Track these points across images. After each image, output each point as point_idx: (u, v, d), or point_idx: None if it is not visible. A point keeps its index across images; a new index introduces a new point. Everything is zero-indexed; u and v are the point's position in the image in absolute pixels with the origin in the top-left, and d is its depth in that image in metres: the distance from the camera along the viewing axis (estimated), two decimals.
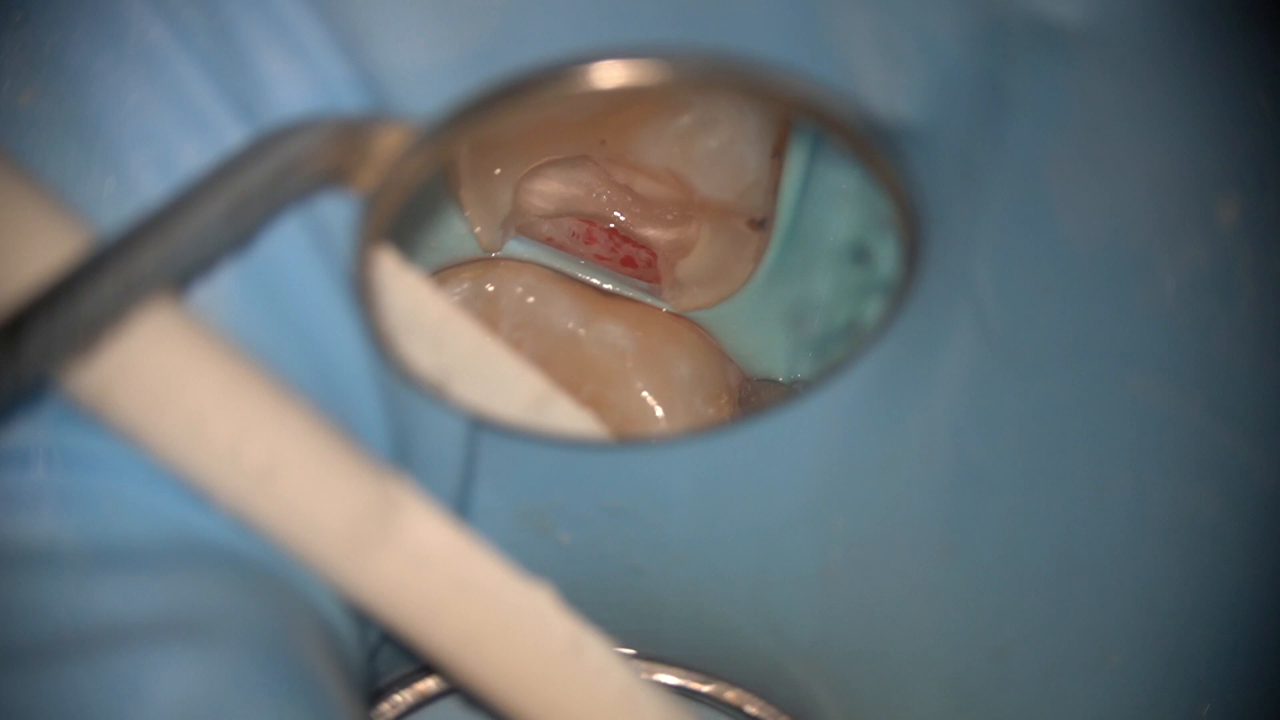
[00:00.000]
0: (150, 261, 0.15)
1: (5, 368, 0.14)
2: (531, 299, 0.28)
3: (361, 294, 0.20)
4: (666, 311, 0.29)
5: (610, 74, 0.17)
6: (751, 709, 0.29)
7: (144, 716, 0.16)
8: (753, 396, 0.28)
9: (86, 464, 0.18)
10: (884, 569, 0.26)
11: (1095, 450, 0.23)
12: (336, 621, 0.20)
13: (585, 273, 0.29)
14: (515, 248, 0.28)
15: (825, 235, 0.27)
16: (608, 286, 0.29)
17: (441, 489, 0.23)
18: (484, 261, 0.28)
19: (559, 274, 0.29)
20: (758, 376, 0.29)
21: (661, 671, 0.29)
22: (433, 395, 0.22)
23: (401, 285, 0.20)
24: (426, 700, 0.29)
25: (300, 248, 0.19)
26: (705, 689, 0.29)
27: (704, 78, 0.18)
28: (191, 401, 0.17)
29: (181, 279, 0.17)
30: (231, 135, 0.19)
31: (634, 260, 0.29)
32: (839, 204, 0.26)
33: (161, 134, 0.19)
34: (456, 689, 0.28)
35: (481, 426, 0.24)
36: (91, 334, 0.15)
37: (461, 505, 0.25)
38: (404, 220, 0.20)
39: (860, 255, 0.26)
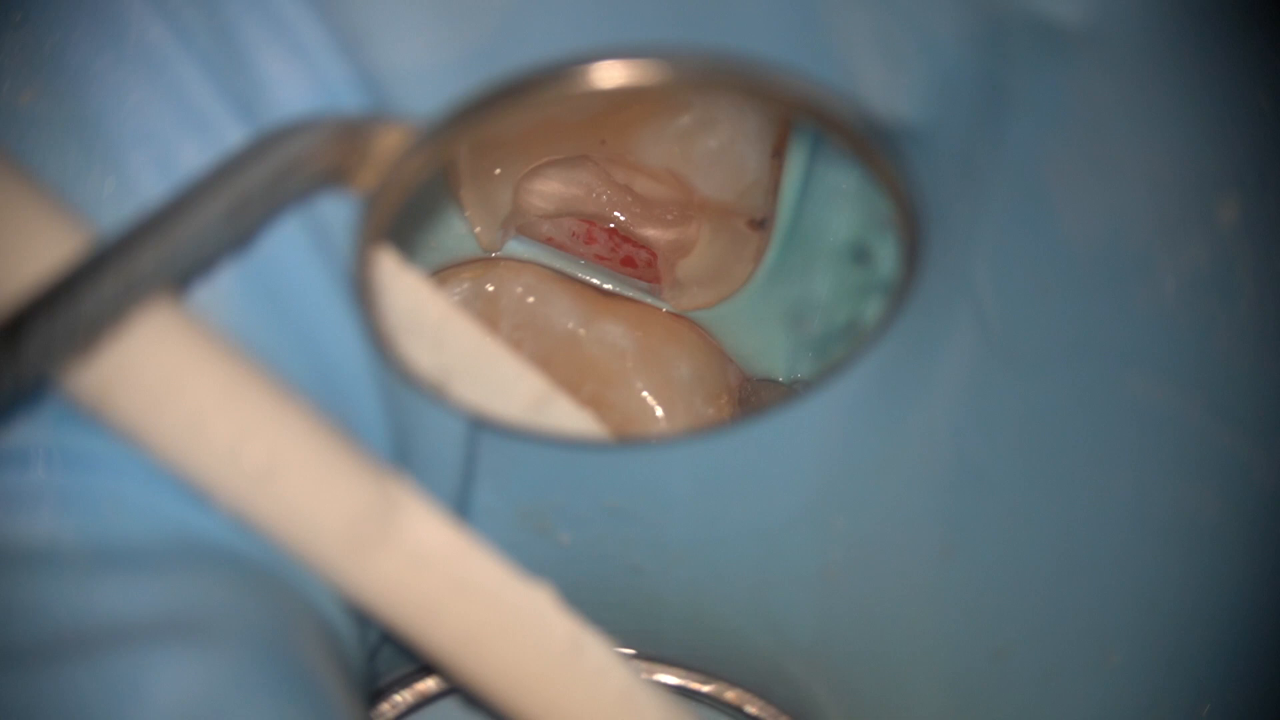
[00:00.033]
0: (150, 261, 0.15)
1: (5, 368, 0.14)
2: (531, 299, 0.28)
3: (361, 294, 0.20)
4: (666, 311, 0.29)
5: (610, 74, 0.17)
6: (751, 709, 0.29)
7: (144, 716, 0.16)
8: (753, 396, 0.28)
9: (86, 464, 0.18)
10: (884, 569, 0.26)
11: (1095, 450, 0.23)
12: (336, 621, 0.20)
13: (585, 273, 0.29)
14: (515, 248, 0.28)
15: (825, 235, 0.27)
16: (608, 286, 0.29)
17: (441, 489, 0.23)
18: (484, 261, 0.28)
19: (559, 274, 0.29)
20: (758, 376, 0.29)
21: (661, 671, 0.29)
22: (433, 395, 0.22)
23: (401, 285, 0.20)
24: (426, 700, 0.29)
25: (300, 248, 0.19)
26: (705, 689, 0.29)
27: (704, 78, 0.18)
28: (191, 401, 0.17)
29: (181, 279, 0.17)
30: (231, 135, 0.19)
31: (634, 260, 0.29)
32: (839, 204, 0.26)
33: (161, 134, 0.19)
34: (456, 689, 0.28)
35: (481, 426, 0.24)
36: (91, 334, 0.15)
37: (461, 505, 0.25)
38: (404, 220, 0.20)
39: (860, 255, 0.26)
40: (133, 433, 0.17)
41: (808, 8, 0.20)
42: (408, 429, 0.22)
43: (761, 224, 0.28)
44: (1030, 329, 0.22)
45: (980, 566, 0.25)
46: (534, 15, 0.21)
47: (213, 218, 0.16)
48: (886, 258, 0.23)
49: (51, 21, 0.19)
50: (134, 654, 0.17)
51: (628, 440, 0.27)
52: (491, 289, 0.28)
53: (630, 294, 0.29)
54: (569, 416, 0.23)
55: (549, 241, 0.29)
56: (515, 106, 0.18)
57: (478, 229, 0.28)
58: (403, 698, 0.29)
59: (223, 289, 0.19)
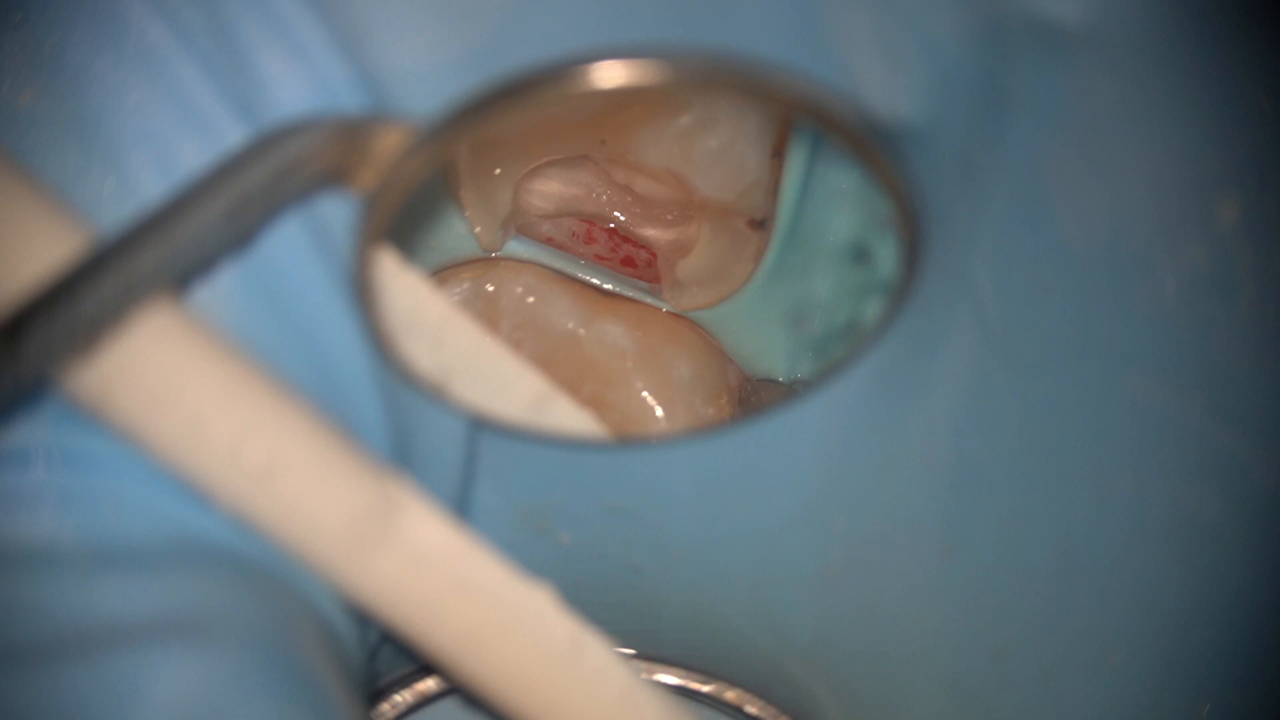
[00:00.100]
0: (150, 261, 0.15)
1: (5, 368, 0.14)
2: (531, 299, 0.28)
3: (361, 294, 0.20)
4: (666, 311, 0.29)
5: (610, 74, 0.17)
6: (751, 709, 0.29)
7: (144, 716, 0.16)
8: (753, 396, 0.28)
9: (86, 464, 0.18)
10: (884, 569, 0.26)
11: (1095, 450, 0.23)
12: (336, 621, 0.20)
13: (585, 273, 0.29)
14: (515, 248, 0.28)
15: (825, 235, 0.27)
16: (608, 286, 0.29)
17: (441, 489, 0.23)
18: (484, 261, 0.28)
19: (559, 274, 0.29)
20: (758, 376, 0.29)
21: (661, 671, 0.29)
22: (433, 395, 0.22)
23: (401, 285, 0.20)
24: (426, 700, 0.29)
25: (300, 248, 0.19)
26: (705, 689, 0.29)
27: (704, 78, 0.18)
28: (191, 401, 0.17)
29: (181, 279, 0.17)
30: (231, 135, 0.19)
31: (634, 260, 0.29)
32: (839, 204, 0.26)
33: (161, 134, 0.19)
34: (456, 689, 0.28)
35: (481, 426, 0.24)
36: (91, 334, 0.15)
37: (461, 505, 0.25)
38: (404, 220, 0.20)
39: (860, 255, 0.26)
40: (133, 433, 0.17)
41: (808, 8, 0.20)
42: (408, 429, 0.22)
43: (761, 224, 0.28)
44: (1030, 329, 0.22)
45: (980, 566, 0.25)
46: (534, 15, 0.21)
47: (213, 218, 0.16)
48: (886, 258, 0.23)
49: (51, 21, 0.19)
50: (134, 654, 0.17)
51: (628, 440, 0.27)
52: (491, 289, 0.28)
53: (630, 294, 0.29)
54: (569, 416, 0.23)
55: (549, 241, 0.29)
56: (515, 106, 0.18)
57: (478, 229, 0.28)
58: (403, 698, 0.29)
59: (223, 289, 0.19)
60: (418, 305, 0.21)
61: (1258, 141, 0.20)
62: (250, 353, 0.18)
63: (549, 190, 0.28)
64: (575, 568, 0.26)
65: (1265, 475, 0.22)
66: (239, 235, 0.18)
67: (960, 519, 0.24)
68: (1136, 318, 0.21)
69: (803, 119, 0.25)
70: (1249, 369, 0.21)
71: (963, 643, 0.25)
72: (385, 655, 0.26)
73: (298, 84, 0.19)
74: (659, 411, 0.28)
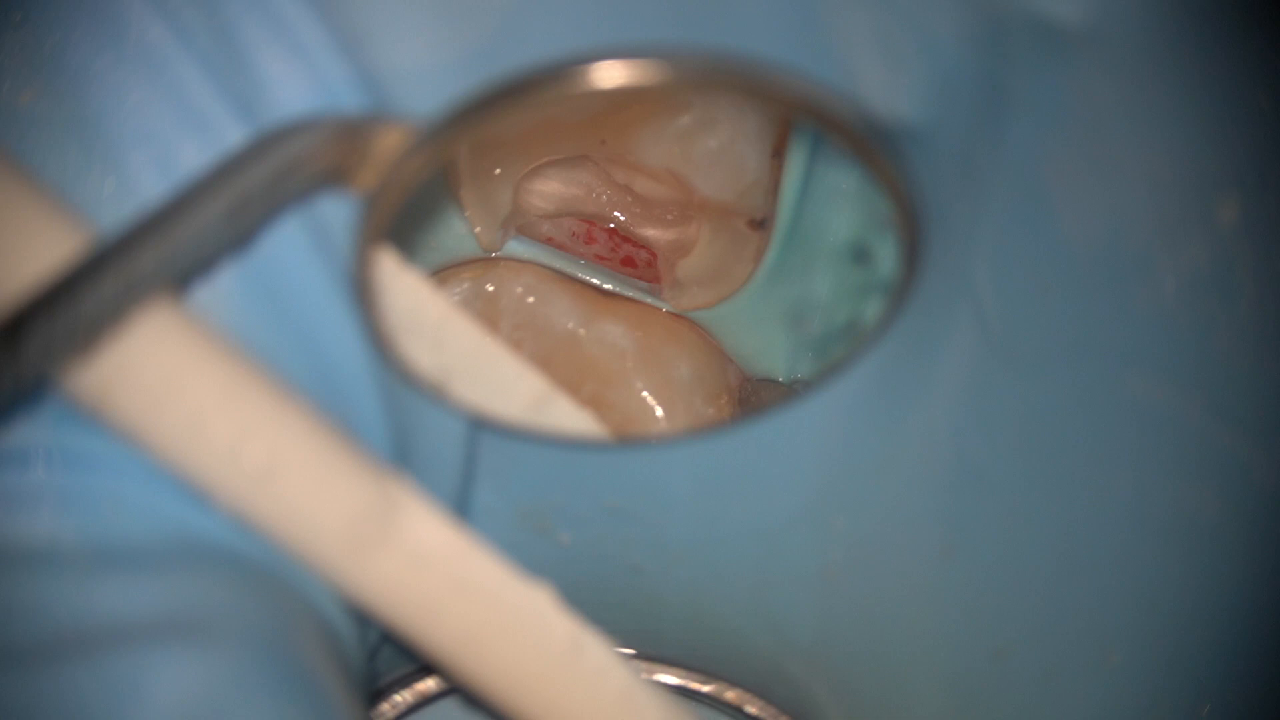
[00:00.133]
0: (150, 261, 0.15)
1: (5, 368, 0.14)
2: (531, 299, 0.28)
3: (361, 294, 0.20)
4: (666, 311, 0.29)
5: (610, 74, 0.17)
6: (751, 709, 0.29)
7: (144, 716, 0.16)
8: (753, 396, 0.28)
9: (86, 464, 0.18)
10: (884, 569, 0.26)
11: (1095, 450, 0.23)
12: (336, 621, 0.20)
13: (585, 273, 0.29)
14: (515, 248, 0.28)
15: (825, 235, 0.27)
16: (608, 286, 0.29)
17: (441, 489, 0.23)
18: (484, 261, 0.28)
19: (559, 274, 0.29)
20: (758, 376, 0.29)
21: (661, 671, 0.29)
22: (433, 395, 0.22)
23: (401, 285, 0.20)
24: (426, 700, 0.29)
25: (300, 248, 0.19)
26: (705, 689, 0.29)
27: (704, 78, 0.18)
28: (191, 401, 0.17)
29: (181, 279, 0.17)
30: (231, 135, 0.19)
31: (634, 260, 0.29)
32: (839, 204, 0.26)
33: (161, 134, 0.19)
34: (456, 689, 0.28)
35: (481, 426, 0.24)
36: (91, 334, 0.15)
37: (461, 505, 0.25)
38: (404, 220, 0.20)
39: (860, 255, 0.26)
40: (133, 433, 0.17)
41: (808, 8, 0.20)
42: (408, 429, 0.22)
43: (761, 224, 0.28)
44: (1030, 329, 0.22)
45: (980, 566, 0.25)
46: (534, 15, 0.21)
47: (213, 218, 0.16)
48: (886, 258, 0.23)
49: (51, 21, 0.19)
50: (134, 654, 0.17)
51: (628, 440, 0.27)
52: (491, 289, 0.28)
53: (630, 294, 0.29)
54: (569, 416, 0.23)
55: (549, 241, 0.29)
56: (515, 106, 0.18)
57: (478, 229, 0.28)
58: (403, 698, 0.29)
59: (223, 289, 0.19)
60: (418, 305, 0.21)
61: (1258, 141, 0.20)
62: (250, 353, 0.18)
63: (549, 190, 0.28)
64: (575, 568, 0.26)
65: (1265, 475, 0.22)
66: (239, 235, 0.18)
67: (960, 519, 0.24)
68: (1136, 318, 0.21)
69: (803, 119, 0.25)
70: (1249, 369, 0.21)
71: (963, 643, 0.25)
72: (385, 655, 0.26)
73: (298, 84, 0.19)
74: (659, 411, 0.28)
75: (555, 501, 0.26)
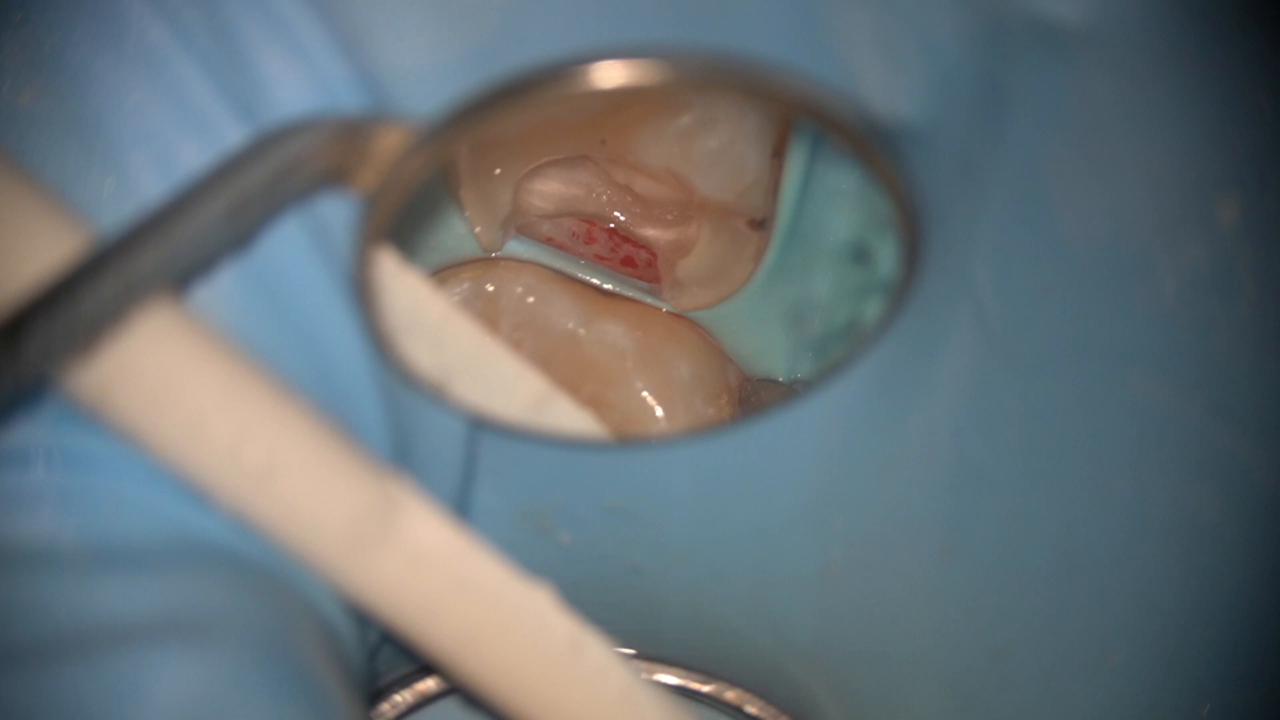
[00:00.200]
0: (150, 261, 0.15)
1: (5, 368, 0.14)
2: (531, 299, 0.28)
3: (361, 294, 0.20)
4: (666, 311, 0.29)
5: (610, 74, 0.17)
6: (751, 709, 0.29)
7: (144, 716, 0.16)
8: (753, 396, 0.28)
9: (86, 464, 0.18)
10: (884, 569, 0.26)
11: (1095, 450, 0.23)
12: (336, 621, 0.20)
13: (585, 273, 0.29)
14: (515, 248, 0.28)
15: (825, 235, 0.27)
16: (608, 286, 0.29)
17: (441, 489, 0.23)
18: (484, 261, 0.28)
19: (559, 274, 0.29)
20: (758, 376, 0.29)
21: (661, 671, 0.29)
22: (433, 395, 0.22)
23: (401, 285, 0.20)
24: (426, 700, 0.29)
25: (300, 248, 0.19)
26: (705, 689, 0.29)
27: (704, 78, 0.18)
28: (191, 401, 0.17)
29: (181, 279, 0.17)
30: (231, 135, 0.19)
31: (634, 260, 0.29)
32: (839, 204, 0.26)
33: (161, 134, 0.19)
34: (456, 689, 0.28)
35: (481, 426, 0.24)
36: (91, 334, 0.15)
37: (461, 505, 0.25)
38: (404, 220, 0.20)
39: (860, 255, 0.26)
40: (133, 433, 0.17)
41: (808, 8, 0.20)
42: (408, 429, 0.22)
43: (761, 224, 0.28)
44: (1030, 329, 0.22)
45: (980, 566, 0.25)
46: (534, 15, 0.21)
47: (213, 218, 0.16)
48: (886, 258, 0.23)
49: (51, 21, 0.19)
50: (134, 654, 0.17)
51: (628, 440, 0.27)
52: (491, 289, 0.28)
53: (630, 294, 0.29)
54: (569, 416, 0.23)
55: (549, 241, 0.29)
56: (515, 106, 0.18)
57: (478, 229, 0.28)
58: (403, 698, 0.29)
59: (223, 289, 0.19)
60: (418, 305, 0.21)
61: (1258, 141, 0.20)
62: (250, 353, 0.18)
63: (549, 190, 0.28)
64: (575, 568, 0.26)
65: (1265, 475, 0.22)
66: (239, 235, 0.18)
67: (960, 519, 0.24)
68: (1136, 318, 0.21)
69: (803, 119, 0.25)
70: (1249, 369, 0.21)
71: (963, 643, 0.25)
72: (385, 655, 0.26)
73: (298, 84, 0.19)
74: (659, 411, 0.28)
75: (555, 501, 0.26)
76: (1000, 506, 0.24)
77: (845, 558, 0.26)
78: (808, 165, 0.26)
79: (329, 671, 0.19)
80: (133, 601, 0.17)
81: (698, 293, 0.28)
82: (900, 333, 0.23)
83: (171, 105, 0.19)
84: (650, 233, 0.28)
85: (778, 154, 0.27)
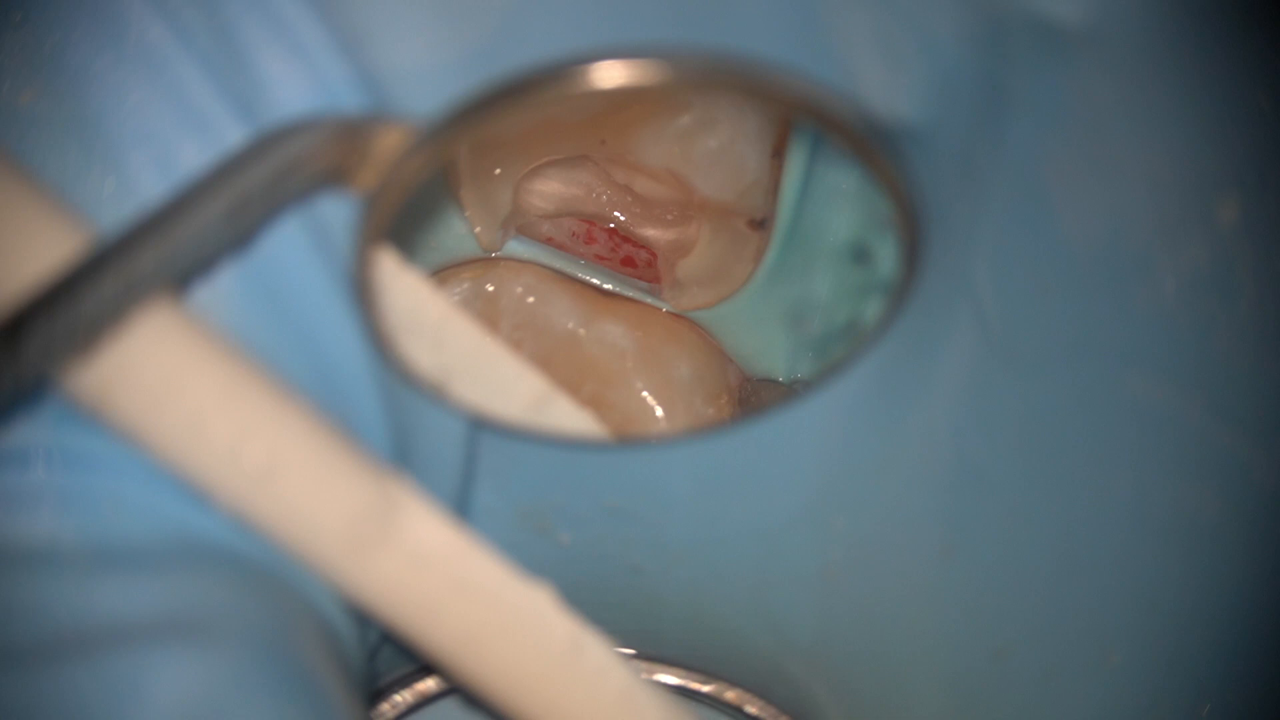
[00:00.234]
0: (150, 261, 0.15)
1: (5, 368, 0.14)
2: (531, 299, 0.28)
3: (361, 294, 0.20)
4: (666, 311, 0.29)
5: (610, 74, 0.17)
6: (751, 709, 0.29)
7: (144, 716, 0.16)
8: (753, 396, 0.28)
9: (86, 464, 0.18)
10: (884, 569, 0.26)
11: (1095, 450, 0.23)
12: (336, 621, 0.20)
13: (585, 273, 0.29)
14: (515, 248, 0.28)
15: (825, 235, 0.27)
16: (608, 286, 0.29)
17: (441, 489, 0.23)
18: (484, 261, 0.28)
19: (559, 274, 0.29)
20: (758, 376, 0.29)
21: (661, 671, 0.29)
22: (433, 395, 0.22)
23: (401, 285, 0.20)
24: (426, 700, 0.29)
25: (300, 248, 0.19)
26: (705, 689, 0.29)
27: (704, 78, 0.18)
28: (191, 401, 0.17)
29: (181, 279, 0.17)
30: (231, 135, 0.19)
31: (634, 260, 0.29)
32: (839, 204, 0.26)
33: (161, 134, 0.19)
34: (456, 689, 0.28)
35: (481, 426, 0.24)
36: (91, 334, 0.15)
37: (461, 505, 0.25)
38: (404, 220, 0.20)
39: (860, 255, 0.26)
40: (133, 433, 0.17)
41: (808, 8, 0.20)
42: (408, 429, 0.22)
43: (761, 224, 0.28)
44: (1030, 329, 0.22)
45: (980, 566, 0.25)
46: (534, 15, 0.21)
47: (213, 218, 0.16)
48: (886, 258, 0.23)
49: (51, 21, 0.19)
50: (134, 654, 0.17)
51: (628, 440, 0.27)
52: (491, 289, 0.28)
53: (630, 294, 0.29)
54: (569, 416, 0.23)
55: (549, 241, 0.29)
56: (515, 106, 0.18)
57: (478, 229, 0.28)
58: (403, 698, 0.29)
59: (223, 289, 0.19)
60: (418, 305, 0.21)
61: (1258, 141, 0.20)
62: (250, 353, 0.18)
63: (549, 190, 0.28)
64: (575, 568, 0.26)
65: (1265, 475, 0.22)
66: (239, 235, 0.18)
67: (960, 519, 0.24)
68: (1136, 318, 0.21)
69: (803, 119, 0.25)
70: (1249, 369, 0.21)
71: (963, 643, 0.25)
72: (385, 655, 0.26)
73: (298, 84, 0.19)
74: (659, 411, 0.28)
75: (555, 501, 0.26)
76: (1000, 506, 0.24)
77: (845, 558, 0.26)
78: (808, 165, 0.26)
79: (329, 671, 0.19)
80: (133, 601, 0.17)
81: (698, 293, 0.28)
82: (900, 333, 0.23)
83: (171, 105, 0.19)
84: (650, 233, 0.28)
85: (778, 154, 0.27)
